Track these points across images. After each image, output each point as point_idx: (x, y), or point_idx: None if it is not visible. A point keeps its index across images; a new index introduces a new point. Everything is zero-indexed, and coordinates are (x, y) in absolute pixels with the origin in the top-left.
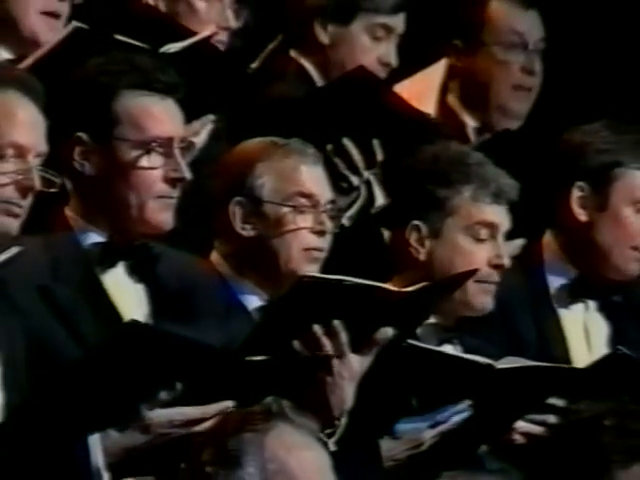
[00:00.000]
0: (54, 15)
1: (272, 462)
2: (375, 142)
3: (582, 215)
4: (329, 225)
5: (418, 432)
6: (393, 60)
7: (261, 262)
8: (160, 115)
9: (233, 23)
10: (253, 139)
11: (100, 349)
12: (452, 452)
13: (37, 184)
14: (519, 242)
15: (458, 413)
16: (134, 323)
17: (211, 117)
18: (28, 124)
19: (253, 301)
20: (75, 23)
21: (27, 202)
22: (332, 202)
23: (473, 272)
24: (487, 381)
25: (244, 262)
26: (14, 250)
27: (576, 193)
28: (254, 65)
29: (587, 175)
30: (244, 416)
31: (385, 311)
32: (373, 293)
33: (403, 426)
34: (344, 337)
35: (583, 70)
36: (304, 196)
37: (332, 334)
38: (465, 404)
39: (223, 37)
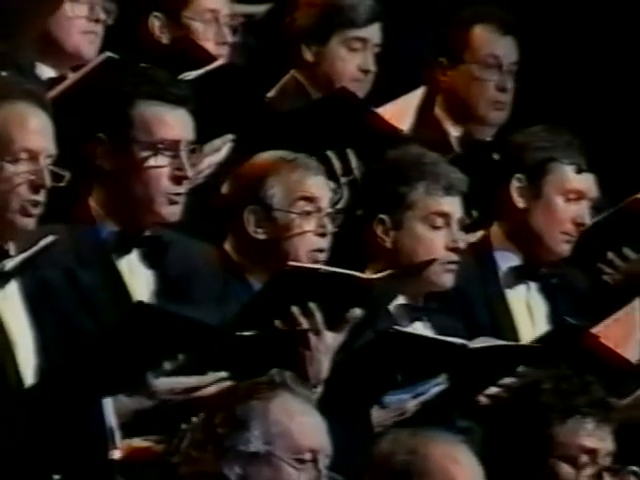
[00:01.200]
0: (92, 33)
1: (275, 426)
2: (350, 152)
3: (520, 202)
4: (330, 227)
5: (402, 402)
6: (372, 67)
7: (272, 261)
8: (170, 121)
9: (230, 38)
10: (264, 153)
11: (112, 325)
12: (431, 418)
13: (48, 182)
14: (478, 234)
15: (436, 385)
16: (140, 304)
17: (230, 136)
18: (38, 131)
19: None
20: (107, 53)
21: (40, 198)
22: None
23: (431, 262)
24: (462, 358)
25: (255, 260)
26: (49, 239)
27: (515, 184)
28: (270, 94)
29: (525, 169)
30: (251, 386)
31: (356, 295)
32: (345, 280)
33: (390, 398)
34: (319, 317)
35: (532, 83)
36: (308, 200)
37: (309, 314)
38: (442, 378)
39: (223, 51)
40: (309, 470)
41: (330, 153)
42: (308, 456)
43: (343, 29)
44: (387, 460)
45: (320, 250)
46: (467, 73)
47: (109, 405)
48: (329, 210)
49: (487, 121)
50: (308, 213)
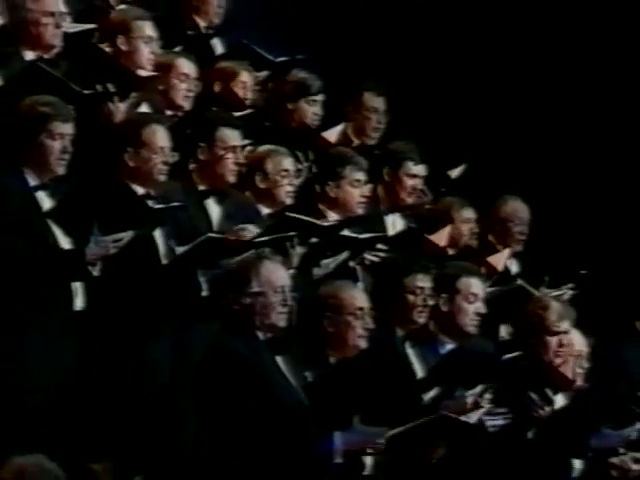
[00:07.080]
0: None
1: (263, 277)
2: (310, 154)
3: (387, 178)
4: (295, 182)
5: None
6: (319, 112)
7: (266, 198)
8: (232, 137)
9: (250, 95)
10: (263, 146)
11: (200, 243)
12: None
13: (171, 160)
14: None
15: (338, 260)
16: (210, 236)
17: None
18: (164, 137)
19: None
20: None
21: (166, 168)
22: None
23: (353, 219)
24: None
25: (259, 198)
26: (182, 249)
27: (384, 172)
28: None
29: (390, 163)
30: (248, 259)
31: (316, 231)
32: (311, 224)
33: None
34: (296, 241)
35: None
36: (285, 170)
37: (293, 240)
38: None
39: (249, 102)
40: (282, 296)
41: (299, 154)
42: (280, 289)
43: (306, 95)
44: (325, 299)
45: (291, 192)
46: (361, 115)
47: (200, 273)
48: (294, 175)
49: (372, 136)
50: (284, 176)
